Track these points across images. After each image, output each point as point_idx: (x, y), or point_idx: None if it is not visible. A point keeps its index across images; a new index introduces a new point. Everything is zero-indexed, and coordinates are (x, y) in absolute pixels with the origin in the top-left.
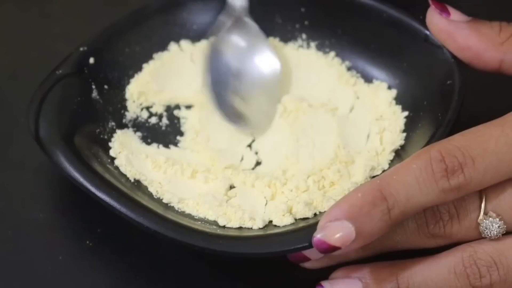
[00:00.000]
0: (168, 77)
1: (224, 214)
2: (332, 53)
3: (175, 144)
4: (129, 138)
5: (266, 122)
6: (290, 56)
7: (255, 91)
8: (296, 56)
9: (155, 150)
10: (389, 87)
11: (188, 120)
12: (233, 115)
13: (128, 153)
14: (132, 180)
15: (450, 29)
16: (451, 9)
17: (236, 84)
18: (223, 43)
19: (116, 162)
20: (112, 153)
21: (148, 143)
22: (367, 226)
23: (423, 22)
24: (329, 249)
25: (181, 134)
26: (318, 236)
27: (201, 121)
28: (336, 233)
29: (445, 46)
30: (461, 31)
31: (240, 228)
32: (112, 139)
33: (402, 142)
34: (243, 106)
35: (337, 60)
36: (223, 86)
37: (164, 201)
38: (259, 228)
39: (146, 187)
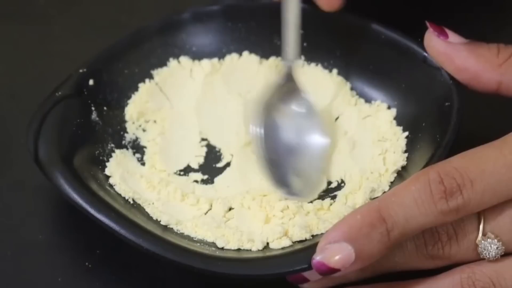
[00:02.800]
0: (168, 93)
1: (222, 236)
2: (335, 70)
3: None
4: (126, 158)
5: (313, 192)
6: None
7: (305, 162)
8: (301, 74)
9: (151, 170)
10: (388, 108)
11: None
12: (284, 184)
13: (124, 172)
14: (131, 202)
15: (448, 51)
16: (448, 32)
17: (288, 154)
18: (275, 108)
19: (111, 181)
20: (107, 171)
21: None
22: (366, 248)
23: (421, 44)
24: (328, 271)
25: None
26: (317, 258)
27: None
28: (335, 255)
29: (443, 67)
30: (459, 53)
31: (238, 249)
32: (110, 159)
33: (404, 163)
34: (293, 176)
35: (342, 79)
36: (275, 154)
37: (163, 222)
38: (258, 250)
39: (144, 209)
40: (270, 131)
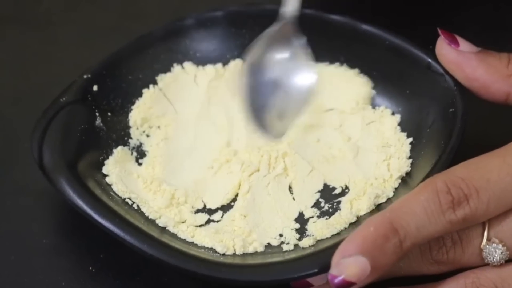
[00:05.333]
0: (172, 99)
1: (220, 241)
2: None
3: None
4: (125, 157)
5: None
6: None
7: (288, 103)
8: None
9: (148, 171)
10: (393, 114)
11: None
12: (260, 124)
13: (121, 171)
14: (135, 208)
15: (459, 60)
16: (460, 40)
17: (270, 95)
18: (264, 53)
19: (107, 180)
20: (104, 170)
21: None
22: (381, 259)
23: (425, 50)
24: (345, 285)
25: None
26: (333, 272)
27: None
28: (351, 268)
29: (454, 76)
30: (469, 62)
31: (243, 254)
32: (110, 157)
33: (409, 169)
34: (273, 116)
35: (367, 79)
36: (257, 95)
37: (161, 224)
38: (262, 255)
39: (143, 212)
40: (254, 76)
